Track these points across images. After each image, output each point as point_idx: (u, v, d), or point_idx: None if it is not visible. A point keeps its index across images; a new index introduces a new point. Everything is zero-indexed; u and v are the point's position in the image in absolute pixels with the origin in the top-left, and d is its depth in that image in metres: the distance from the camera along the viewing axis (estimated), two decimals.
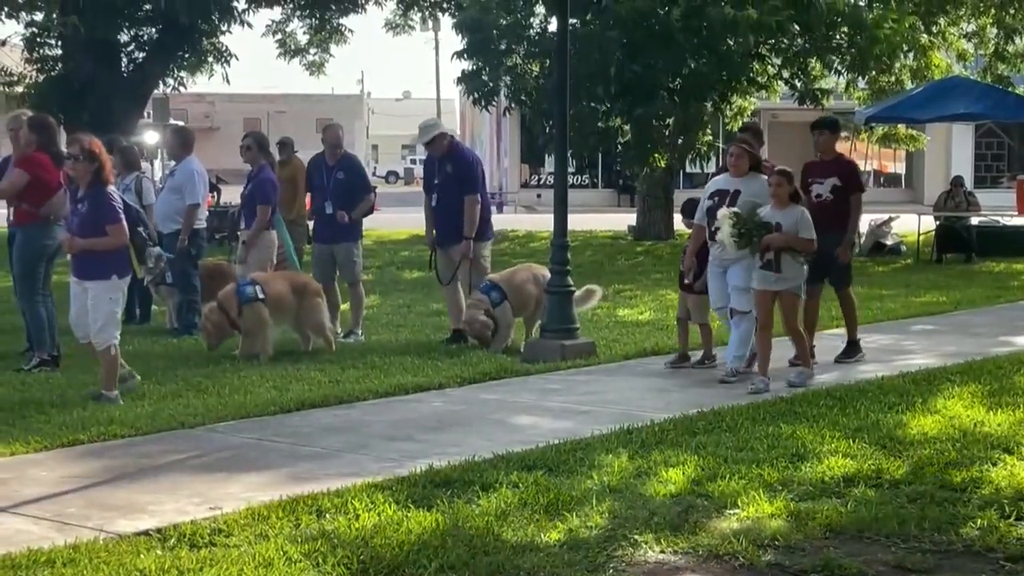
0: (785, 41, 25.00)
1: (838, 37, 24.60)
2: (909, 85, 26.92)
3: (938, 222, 23.70)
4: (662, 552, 5.86)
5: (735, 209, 9.98)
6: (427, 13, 31.52)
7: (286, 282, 11.77)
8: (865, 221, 24.81)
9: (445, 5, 28.72)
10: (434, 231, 12.55)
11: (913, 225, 24.72)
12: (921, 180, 50.02)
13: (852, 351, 11.44)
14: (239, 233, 13.18)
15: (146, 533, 6.09)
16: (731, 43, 23.68)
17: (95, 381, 10.21)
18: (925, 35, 26.24)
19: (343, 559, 5.68)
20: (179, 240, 12.96)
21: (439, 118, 64.05)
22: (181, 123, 37.92)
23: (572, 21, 21.13)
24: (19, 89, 26.50)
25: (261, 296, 11.37)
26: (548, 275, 11.88)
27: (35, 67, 26.53)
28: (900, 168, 53.05)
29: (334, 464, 7.55)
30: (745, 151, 10.49)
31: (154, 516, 6.41)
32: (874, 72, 25.83)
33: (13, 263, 11.12)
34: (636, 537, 5.99)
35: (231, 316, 11.32)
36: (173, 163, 13.82)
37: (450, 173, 12.31)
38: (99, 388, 9.54)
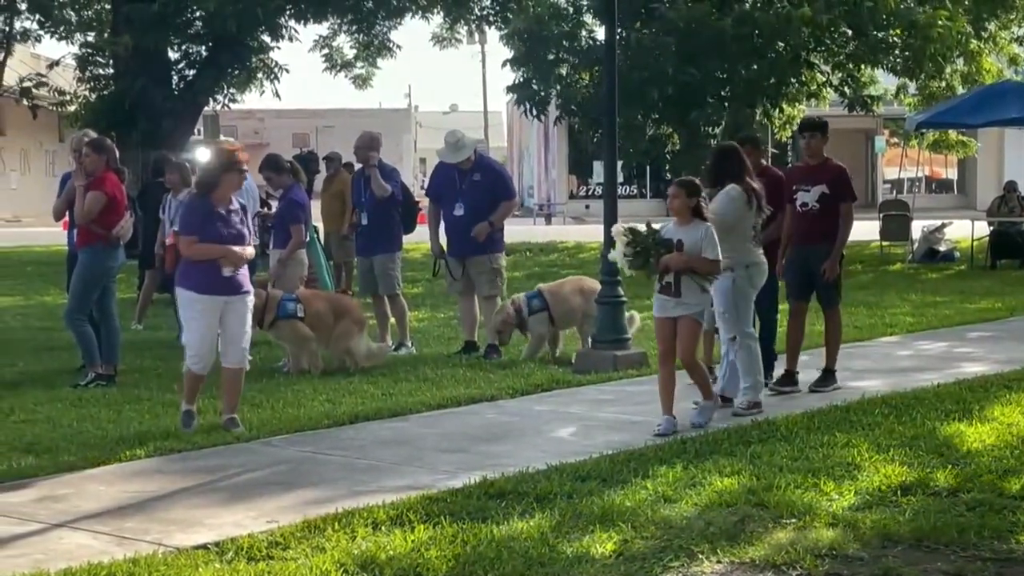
0: (835, 47, 24.87)
1: (891, 39, 24.42)
2: (960, 90, 26.71)
3: (992, 227, 23.49)
4: (718, 562, 5.84)
5: (631, 225, 9.03)
6: (474, 26, 31.61)
7: (329, 304, 11.74)
8: (918, 227, 24.71)
9: (492, 18, 28.79)
10: (445, 241, 12.55)
11: (966, 231, 24.52)
12: (974, 185, 49.61)
13: (828, 379, 10.33)
14: (268, 252, 13.19)
15: (204, 547, 6.13)
16: (780, 48, 23.61)
17: (150, 397, 10.31)
18: (975, 40, 26.01)
19: (399, 571, 5.70)
20: None
21: (486, 131, 63.91)
22: (231, 139, 38.21)
23: (622, 31, 21.17)
24: (71, 108, 26.83)
25: (300, 315, 11.39)
26: (597, 287, 11.90)
27: (87, 86, 26.84)
28: (952, 174, 52.63)
29: (388, 476, 7.57)
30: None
31: (211, 530, 6.46)
32: (925, 75, 25.60)
33: (72, 282, 11.22)
34: (692, 548, 5.97)
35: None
36: None
37: (478, 181, 12.32)
38: (227, 415, 9.06)
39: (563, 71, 25.26)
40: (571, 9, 25.77)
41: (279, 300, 11.41)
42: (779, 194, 10.22)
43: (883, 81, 27.41)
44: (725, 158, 9.63)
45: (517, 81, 25.02)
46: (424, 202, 13.85)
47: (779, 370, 10.53)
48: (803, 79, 25.65)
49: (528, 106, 25.09)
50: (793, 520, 6.40)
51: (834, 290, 10.34)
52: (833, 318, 10.47)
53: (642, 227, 8.91)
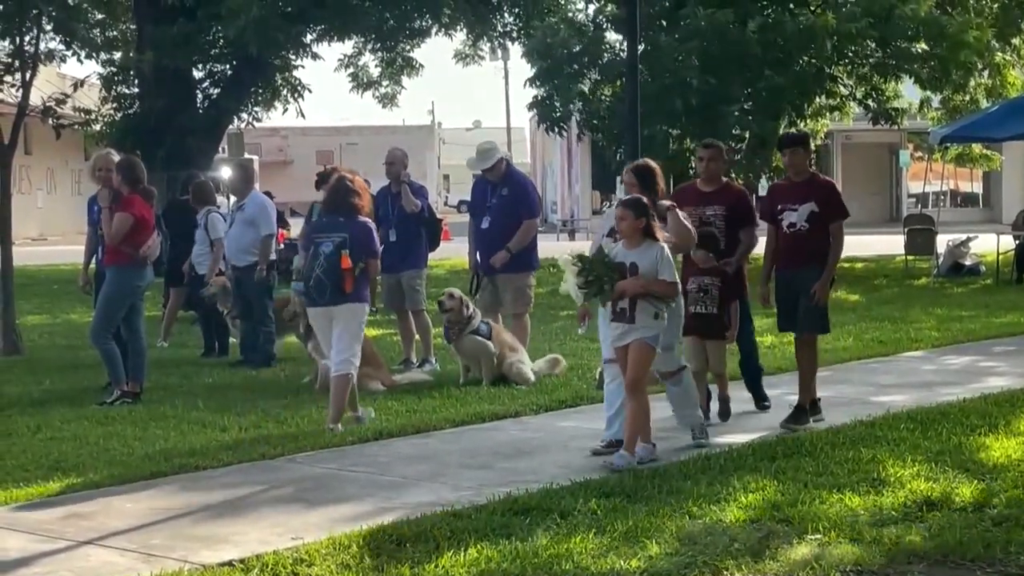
0: (860, 60, 24.80)
1: (918, 49, 24.33)
2: (984, 103, 26.63)
3: (1017, 241, 23.37)
4: None
5: (579, 252, 8.51)
6: (496, 43, 31.70)
7: (372, 354, 11.72)
8: (943, 241, 24.61)
9: (515, 34, 28.87)
10: (478, 255, 12.55)
11: (992, 245, 24.42)
12: (999, 199, 49.38)
13: (800, 416, 9.40)
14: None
15: (229, 563, 6.15)
16: (804, 60, 23.55)
17: (176, 414, 10.35)
18: (1000, 53, 25.94)
19: None
20: (258, 270, 13.08)
21: (509, 147, 64.13)
22: (253, 157, 38.33)
23: (644, 44, 21.15)
24: (97, 127, 26.98)
25: None
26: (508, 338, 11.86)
27: (112, 105, 27.00)
28: (977, 187, 52.40)
29: (413, 493, 7.58)
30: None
31: (237, 546, 6.48)
32: (951, 86, 25.49)
33: (99, 300, 11.28)
34: (716, 564, 5.97)
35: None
36: (235, 198, 13.90)
37: (506, 196, 12.32)
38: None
39: (584, 86, 25.25)
40: (591, 25, 25.77)
41: None
42: (748, 211, 9.83)
43: (907, 95, 27.32)
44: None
45: (537, 97, 25.05)
46: (448, 219, 13.88)
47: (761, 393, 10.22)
48: (828, 91, 25.58)
49: (549, 123, 25.12)
50: (818, 536, 6.39)
51: (819, 316, 9.49)
52: (810, 347, 9.62)
53: (591, 252, 8.54)
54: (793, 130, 9.85)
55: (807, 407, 9.51)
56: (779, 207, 9.58)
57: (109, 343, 11.04)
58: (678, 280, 8.48)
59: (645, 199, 8.56)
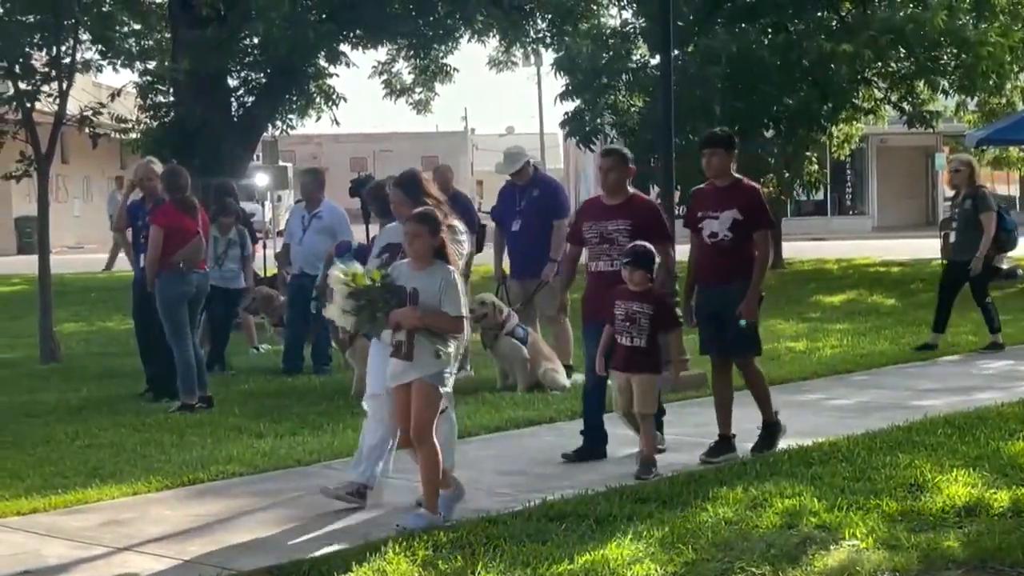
0: (892, 65, 24.70)
1: (944, 57, 24.23)
2: (1021, 106, 26.46)
3: None
4: None
5: (355, 268, 7.12)
6: (529, 49, 31.71)
7: None
8: None
9: (548, 41, 28.87)
10: (506, 262, 12.54)
11: None
12: None
13: (773, 435, 8.74)
14: None
15: (267, 570, 6.18)
16: (832, 71, 23.48)
17: (211, 420, 10.40)
18: None
19: None
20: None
21: (543, 153, 63.71)
22: (287, 164, 38.42)
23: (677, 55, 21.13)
24: (133, 135, 27.14)
25: None
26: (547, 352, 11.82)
27: (147, 113, 27.15)
28: (1014, 190, 52.06)
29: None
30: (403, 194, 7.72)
31: (273, 553, 6.50)
32: (983, 92, 25.36)
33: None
34: (753, 570, 5.94)
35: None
36: (304, 203, 13.79)
37: (536, 197, 12.37)
38: None
39: (613, 97, 25.23)
40: (620, 38, 25.74)
41: None
42: (657, 225, 8.80)
43: (942, 99, 27.19)
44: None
45: (568, 114, 25.12)
46: (490, 226, 13.80)
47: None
48: (860, 98, 25.47)
49: (579, 139, 25.20)
50: (855, 542, 6.36)
51: (748, 338, 8.59)
52: (750, 368, 8.75)
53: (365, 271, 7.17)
54: (718, 129, 8.77)
55: (775, 423, 8.77)
56: (699, 214, 8.64)
57: (188, 351, 11.03)
58: (464, 313, 7.23)
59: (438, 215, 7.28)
